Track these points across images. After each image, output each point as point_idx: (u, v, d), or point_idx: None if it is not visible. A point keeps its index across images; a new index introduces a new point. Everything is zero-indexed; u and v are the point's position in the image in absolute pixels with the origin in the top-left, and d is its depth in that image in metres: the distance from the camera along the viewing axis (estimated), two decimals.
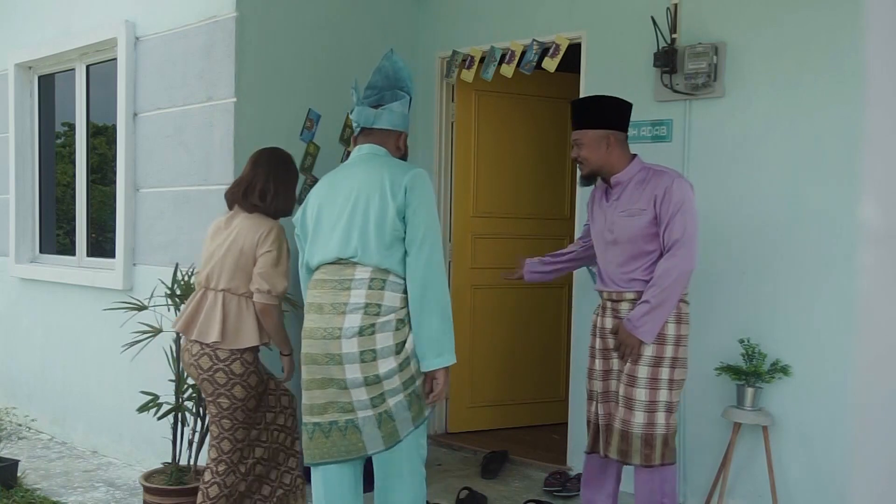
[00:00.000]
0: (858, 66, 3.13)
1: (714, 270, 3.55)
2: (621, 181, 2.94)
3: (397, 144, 2.67)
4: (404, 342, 2.46)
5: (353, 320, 2.42)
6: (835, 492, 3.23)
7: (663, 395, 2.83)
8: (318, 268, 2.59)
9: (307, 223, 2.66)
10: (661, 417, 2.82)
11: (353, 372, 2.42)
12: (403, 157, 2.71)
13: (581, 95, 3.95)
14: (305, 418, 2.52)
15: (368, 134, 2.65)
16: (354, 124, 2.66)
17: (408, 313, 2.47)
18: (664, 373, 2.83)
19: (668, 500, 2.87)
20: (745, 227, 3.47)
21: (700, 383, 3.59)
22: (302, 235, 2.70)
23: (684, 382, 2.94)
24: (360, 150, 2.64)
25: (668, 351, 2.85)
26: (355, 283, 2.46)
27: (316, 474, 2.56)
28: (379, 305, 2.44)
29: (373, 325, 2.42)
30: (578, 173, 3.09)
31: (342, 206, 2.53)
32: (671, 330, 2.86)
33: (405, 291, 2.48)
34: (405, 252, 2.47)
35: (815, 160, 3.29)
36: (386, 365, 2.42)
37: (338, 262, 2.51)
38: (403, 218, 2.45)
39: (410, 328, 2.47)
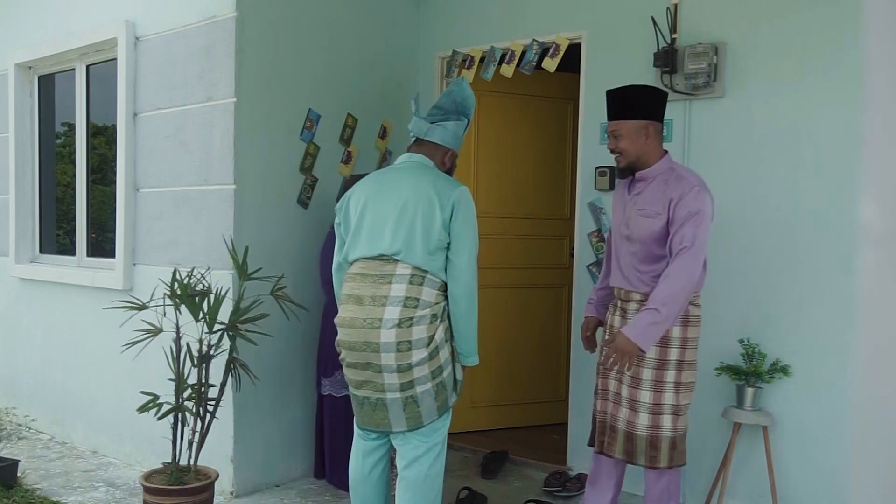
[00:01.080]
0: (858, 66, 3.13)
1: (714, 270, 3.55)
2: (646, 177, 2.86)
3: (443, 160, 2.87)
4: (434, 335, 2.66)
5: (393, 312, 2.62)
6: (835, 492, 3.23)
7: (669, 397, 2.79)
8: (355, 262, 2.75)
9: (350, 217, 2.80)
10: (666, 420, 2.79)
11: (388, 359, 2.62)
12: (448, 172, 2.90)
13: (581, 95, 3.95)
14: (350, 388, 2.81)
15: (421, 144, 2.87)
16: (411, 134, 2.90)
17: (442, 308, 2.70)
18: (669, 376, 2.80)
19: (674, 501, 2.87)
20: (745, 227, 3.47)
21: (700, 383, 3.58)
22: (344, 227, 2.83)
23: (694, 385, 2.89)
24: (411, 158, 2.85)
25: (673, 354, 2.80)
26: (396, 279, 2.65)
27: (355, 433, 2.88)
28: (417, 300, 2.64)
29: (411, 318, 2.62)
30: (612, 168, 3.10)
31: (390, 208, 2.70)
32: (676, 333, 2.79)
33: (440, 289, 2.70)
34: (446, 258, 2.70)
35: (815, 160, 3.29)
36: (418, 355, 2.63)
37: (379, 258, 2.69)
38: (448, 229, 2.68)
39: (441, 322, 2.69)
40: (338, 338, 2.75)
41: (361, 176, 3.76)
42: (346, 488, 3.70)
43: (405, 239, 2.65)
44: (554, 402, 4.75)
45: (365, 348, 2.64)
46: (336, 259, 2.88)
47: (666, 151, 2.92)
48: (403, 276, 2.64)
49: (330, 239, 3.70)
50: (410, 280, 2.64)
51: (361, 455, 2.84)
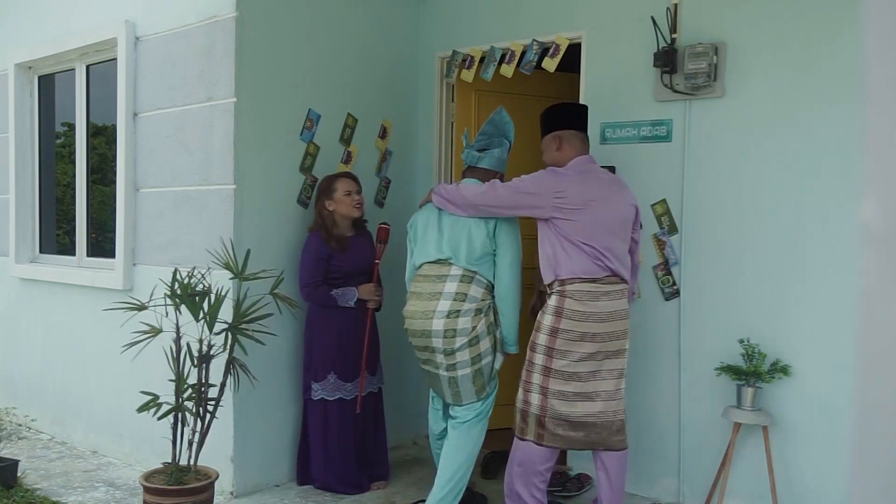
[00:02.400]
0: (858, 65, 3.13)
1: (714, 270, 3.56)
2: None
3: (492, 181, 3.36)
4: (476, 326, 3.26)
5: (444, 305, 3.25)
6: (835, 492, 3.23)
7: (536, 378, 3.12)
8: (421, 266, 3.40)
9: (417, 231, 3.48)
10: (520, 393, 3.18)
11: (437, 343, 3.27)
12: None
13: (581, 95, 3.96)
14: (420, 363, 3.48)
15: (473, 171, 3.47)
16: (465, 162, 3.52)
17: (487, 305, 3.30)
18: (538, 358, 3.12)
19: (512, 471, 3.21)
20: (744, 226, 3.47)
21: (700, 383, 3.59)
22: (413, 240, 3.50)
23: (577, 375, 3.06)
24: (467, 182, 3.43)
25: (542, 339, 3.11)
26: (449, 278, 3.28)
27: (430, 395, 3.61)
28: (465, 295, 3.25)
29: (458, 310, 3.24)
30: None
31: (448, 223, 3.36)
32: (546, 321, 3.11)
33: (487, 288, 3.31)
34: (493, 263, 3.31)
35: (815, 160, 3.29)
36: (460, 342, 3.24)
37: (437, 261, 3.33)
38: (493, 239, 3.29)
39: (484, 316, 3.28)
40: (405, 325, 3.38)
41: (337, 176, 3.76)
42: (338, 490, 3.72)
43: (455, 246, 3.29)
44: None
45: (423, 335, 3.29)
46: (409, 266, 3.51)
47: (583, 154, 3.27)
48: (455, 276, 3.27)
49: (310, 243, 3.71)
50: (461, 279, 3.27)
51: (434, 413, 3.57)
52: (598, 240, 3.09)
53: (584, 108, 3.45)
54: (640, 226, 3.34)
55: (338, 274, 3.72)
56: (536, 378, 3.11)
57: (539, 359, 3.10)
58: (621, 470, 3.13)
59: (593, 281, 3.07)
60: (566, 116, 3.31)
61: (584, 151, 3.28)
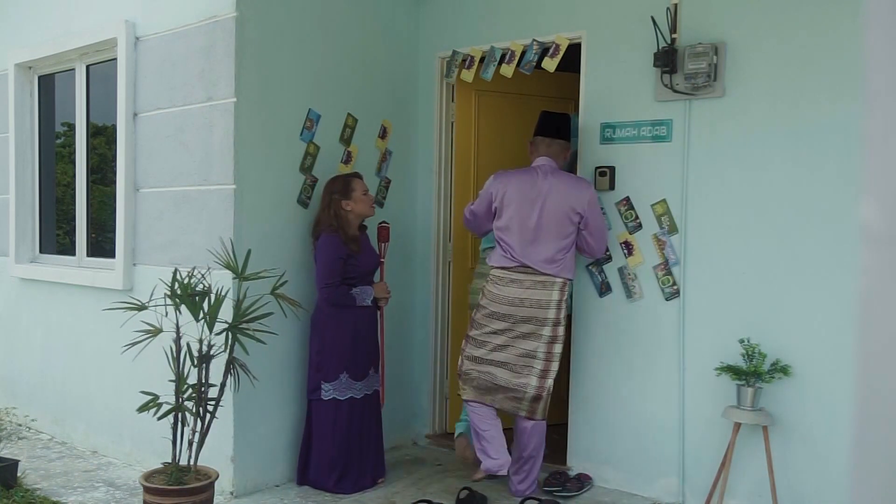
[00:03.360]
0: (858, 65, 3.13)
1: (714, 270, 3.55)
2: None
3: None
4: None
5: None
6: (835, 492, 3.23)
7: (463, 344, 3.80)
8: None
9: None
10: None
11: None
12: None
13: (581, 95, 3.96)
14: None
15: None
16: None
17: None
18: (468, 328, 3.82)
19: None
20: (744, 226, 3.47)
21: (700, 383, 3.59)
22: None
23: (482, 343, 3.70)
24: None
25: (473, 313, 3.82)
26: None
27: None
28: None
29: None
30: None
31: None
32: (478, 299, 3.78)
33: None
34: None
35: (815, 160, 3.29)
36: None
37: None
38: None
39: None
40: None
41: (351, 177, 3.77)
42: (345, 490, 3.72)
43: None
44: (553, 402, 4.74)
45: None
46: None
47: (543, 157, 3.78)
48: None
49: (328, 244, 3.67)
50: None
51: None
52: (511, 235, 3.66)
53: (555, 116, 3.90)
54: (597, 223, 3.67)
55: (354, 274, 3.73)
56: (463, 344, 3.80)
57: (468, 329, 3.79)
58: (531, 438, 3.67)
59: (504, 269, 3.67)
60: (538, 124, 3.89)
61: (545, 154, 3.78)
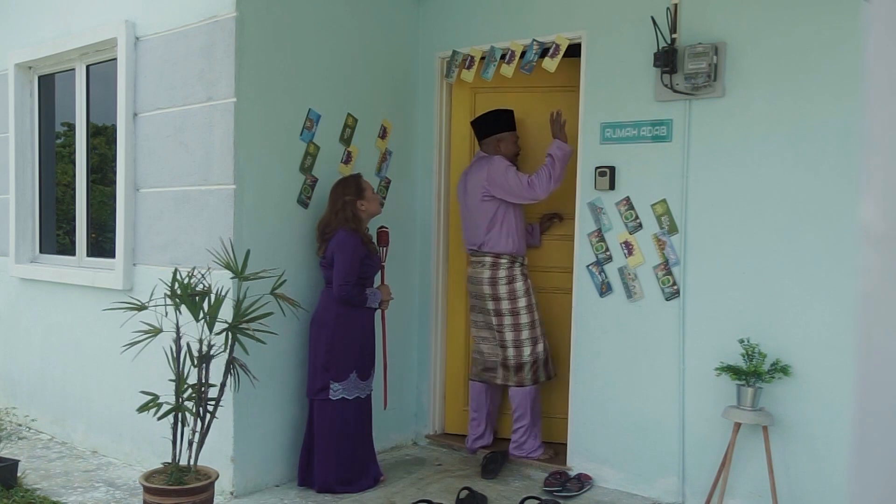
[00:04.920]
0: (858, 65, 3.13)
1: (714, 270, 3.56)
2: None
3: None
4: None
5: None
6: (835, 492, 3.23)
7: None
8: None
9: None
10: None
11: None
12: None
13: (581, 95, 3.96)
14: None
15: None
16: None
17: None
18: None
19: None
20: (744, 226, 3.47)
21: (700, 383, 3.59)
22: None
23: (472, 322, 4.35)
24: None
25: None
26: None
27: None
28: None
29: None
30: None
31: None
32: None
33: None
34: None
35: (815, 160, 3.29)
36: None
37: None
38: None
39: None
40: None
41: (359, 176, 3.79)
42: (353, 488, 3.71)
43: None
44: (555, 398, 4.72)
45: None
46: None
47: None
48: None
49: (349, 242, 3.65)
50: None
51: None
52: (462, 221, 4.29)
53: (480, 119, 4.25)
54: (503, 187, 4.05)
55: (368, 274, 3.79)
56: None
57: None
58: (518, 404, 4.12)
59: (468, 252, 4.28)
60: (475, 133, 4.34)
61: (481, 151, 4.24)
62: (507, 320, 4.09)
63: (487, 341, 4.20)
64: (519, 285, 4.10)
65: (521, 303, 4.09)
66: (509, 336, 4.09)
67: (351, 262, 3.65)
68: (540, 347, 4.13)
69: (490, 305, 4.12)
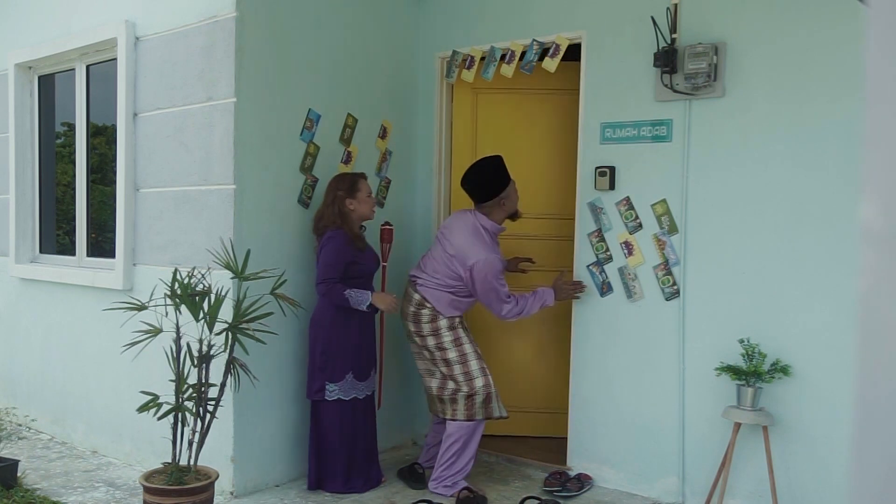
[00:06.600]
0: (858, 65, 3.13)
1: (714, 270, 3.56)
2: None
3: None
4: None
5: None
6: (835, 492, 3.23)
7: None
8: None
9: None
10: None
11: None
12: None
13: (581, 95, 3.95)
14: None
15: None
16: None
17: None
18: None
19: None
20: (744, 226, 3.47)
21: (700, 383, 3.59)
22: None
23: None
24: None
25: None
26: None
27: None
28: None
29: None
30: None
31: None
32: None
33: None
34: None
35: (815, 160, 3.29)
36: None
37: None
38: None
39: None
40: None
41: (357, 176, 3.76)
42: (357, 489, 3.71)
43: None
44: (555, 394, 4.72)
45: None
46: None
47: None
48: None
49: (335, 240, 3.63)
50: None
51: None
52: (429, 249, 4.00)
53: (477, 178, 3.82)
54: (479, 283, 3.73)
55: (359, 275, 3.69)
56: None
57: None
58: (447, 437, 3.81)
59: (409, 275, 4.00)
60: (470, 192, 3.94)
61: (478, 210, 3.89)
62: (432, 355, 3.83)
63: (428, 372, 3.93)
64: (443, 322, 3.80)
65: (447, 338, 3.79)
66: (444, 370, 3.81)
67: (332, 260, 3.59)
68: (478, 384, 3.75)
69: (417, 340, 3.86)
